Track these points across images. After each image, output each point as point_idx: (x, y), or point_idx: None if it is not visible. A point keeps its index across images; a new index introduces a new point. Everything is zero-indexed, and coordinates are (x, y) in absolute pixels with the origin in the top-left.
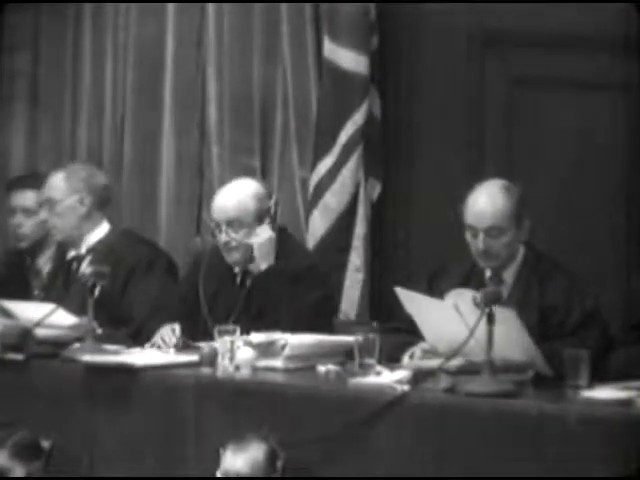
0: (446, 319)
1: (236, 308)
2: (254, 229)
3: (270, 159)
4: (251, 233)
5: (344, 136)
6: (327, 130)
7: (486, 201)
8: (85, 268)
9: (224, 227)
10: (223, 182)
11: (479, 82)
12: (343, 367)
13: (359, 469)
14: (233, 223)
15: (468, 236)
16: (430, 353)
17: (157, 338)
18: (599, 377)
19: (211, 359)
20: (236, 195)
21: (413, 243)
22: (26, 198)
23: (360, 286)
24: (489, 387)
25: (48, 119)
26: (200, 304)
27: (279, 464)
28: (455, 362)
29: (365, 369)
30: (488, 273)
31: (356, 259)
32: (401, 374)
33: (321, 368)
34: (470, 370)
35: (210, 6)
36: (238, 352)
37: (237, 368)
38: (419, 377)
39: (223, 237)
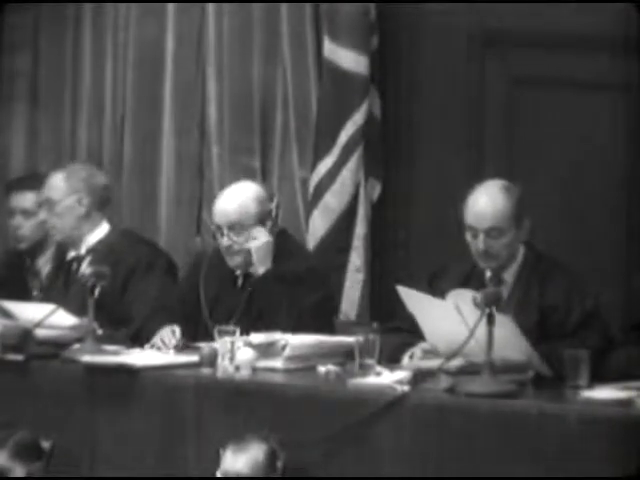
0: (447, 318)
1: (237, 311)
2: (254, 232)
3: (270, 159)
4: (251, 236)
5: (344, 136)
6: (327, 130)
7: (486, 202)
8: (85, 268)
9: (226, 231)
10: (223, 182)
11: (479, 82)
12: (343, 368)
13: (359, 469)
14: (235, 226)
15: (468, 236)
16: (430, 353)
17: (157, 339)
18: (599, 377)
19: (211, 360)
20: (237, 198)
21: (413, 243)
22: (25, 199)
23: (360, 286)
24: (489, 387)
25: (48, 119)
26: (201, 306)
27: (279, 464)
28: (455, 362)
29: (365, 369)
30: (488, 273)
31: (356, 259)
32: (401, 374)
33: (321, 369)
34: (470, 370)
35: (210, 6)
36: (238, 353)
37: (237, 369)
38: (419, 377)
39: (225, 241)
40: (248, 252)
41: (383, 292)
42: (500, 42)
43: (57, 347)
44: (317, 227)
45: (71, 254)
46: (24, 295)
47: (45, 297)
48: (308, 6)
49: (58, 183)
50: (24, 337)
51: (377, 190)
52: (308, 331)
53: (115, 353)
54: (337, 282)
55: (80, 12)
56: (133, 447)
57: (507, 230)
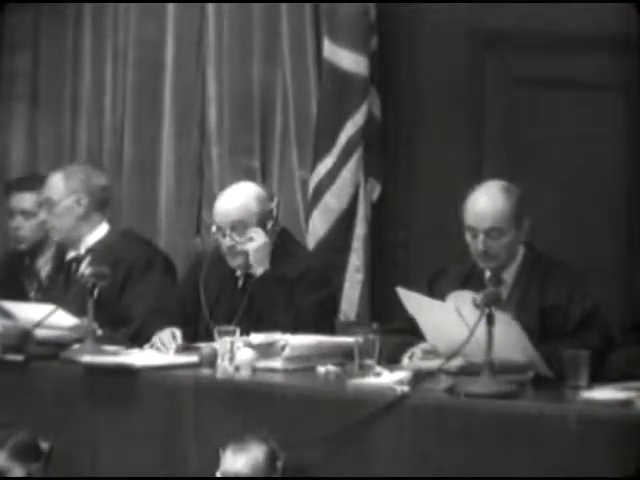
0: (447, 320)
1: (238, 312)
2: (251, 233)
3: (270, 160)
4: (248, 238)
5: (344, 137)
6: (327, 131)
7: (486, 202)
8: (85, 269)
9: (228, 231)
10: (223, 182)
11: (479, 82)
12: (343, 368)
13: (359, 469)
14: (237, 226)
15: (468, 237)
16: (430, 354)
17: (156, 340)
18: (599, 377)
19: (211, 360)
20: (238, 198)
21: (413, 243)
22: (25, 200)
23: (360, 287)
24: (489, 388)
25: (48, 119)
26: (201, 307)
27: (279, 464)
28: (455, 363)
29: (365, 370)
30: (488, 274)
31: (356, 260)
32: (401, 375)
33: (321, 369)
34: (470, 371)
35: (210, 6)
36: (238, 353)
37: (237, 369)
38: (419, 378)
39: (227, 241)
40: (247, 253)
41: (383, 292)
42: (500, 42)
43: (57, 347)
44: (317, 227)
45: (71, 254)
46: (21, 296)
47: (45, 297)
48: (308, 6)
49: (57, 183)
50: (24, 337)
51: (377, 190)
52: (308, 331)
53: (115, 353)
54: (337, 282)
55: (80, 12)
56: (133, 447)
57: (507, 230)
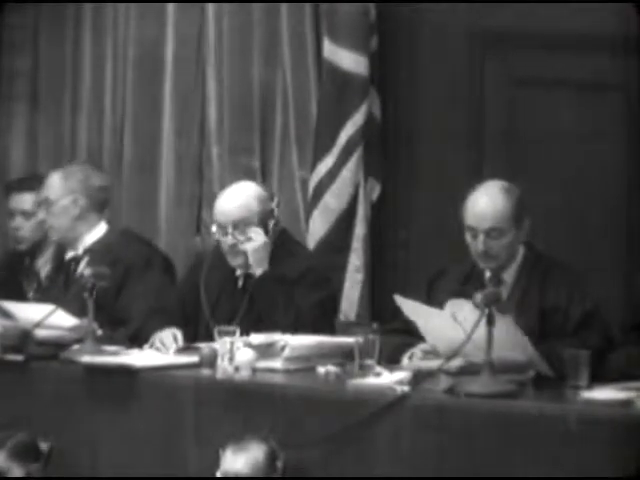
0: (444, 326)
1: (239, 312)
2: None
3: (270, 159)
4: (247, 237)
5: (344, 136)
6: (327, 131)
7: (486, 202)
8: (84, 269)
9: (230, 229)
10: (223, 182)
11: (479, 82)
12: (343, 368)
13: (359, 469)
14: (239, 225)
15: (468, 237)
16: (430, 354)
17: (156, 340)
18: (599, 377)
19: (211, 360)
20: (239, 197)
21: (413, 243)
22: (24, 201)
23: (360, 287)
24: (489, 388)
25: (48, 119)
26: (202, 307)
27: (279, 464)
28: (455, 363)
29: (365, 370)
30: (488, 274)
31: (356, 260)
32: (401, 375)
33: (321, 369)
34: (470, 371)
35: (210, 6)
36: (238, 353)
37: (237, 369)
38: (419, 378)
39: (229, 239)
40: (246, 253)
41: (383, 292)
42: (500, 42)
43: (57, 348)
44: (317, 227)
45: (69, 254)
46: (21, 297)
47: (44, 297)
48: (308, 6)
49: (55, 183)
50: (24, 338)
51: (377, 190)
52: (308, 331)
53: (115, 354)
54: (337, 282)
55: (80, 12)
56: (133, 447)
57: (507, 230)
